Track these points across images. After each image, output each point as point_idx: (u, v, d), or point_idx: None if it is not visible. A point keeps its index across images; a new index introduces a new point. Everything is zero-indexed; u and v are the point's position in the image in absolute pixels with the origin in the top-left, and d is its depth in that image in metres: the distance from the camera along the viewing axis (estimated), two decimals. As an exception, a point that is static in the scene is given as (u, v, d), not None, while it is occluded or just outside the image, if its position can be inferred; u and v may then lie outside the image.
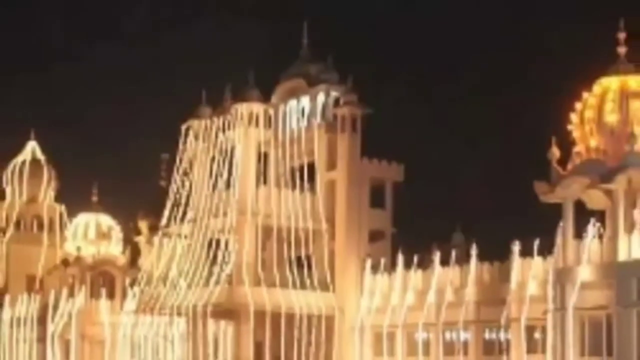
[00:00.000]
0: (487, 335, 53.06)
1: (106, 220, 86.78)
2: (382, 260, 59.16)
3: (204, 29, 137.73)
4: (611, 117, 46.42)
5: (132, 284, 72.56)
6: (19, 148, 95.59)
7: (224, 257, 60.16)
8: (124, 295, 76.49)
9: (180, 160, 64.83)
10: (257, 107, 61.81)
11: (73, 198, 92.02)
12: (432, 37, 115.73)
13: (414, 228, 61.47)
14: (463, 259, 54.33)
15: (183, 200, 63.86)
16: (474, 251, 53.30)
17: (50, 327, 79.73)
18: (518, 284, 50.61)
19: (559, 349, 46.47)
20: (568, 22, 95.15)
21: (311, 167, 61.85)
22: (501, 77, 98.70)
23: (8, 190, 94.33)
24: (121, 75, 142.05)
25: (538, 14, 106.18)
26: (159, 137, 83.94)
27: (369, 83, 62.50)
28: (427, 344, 55.61)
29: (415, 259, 56.93)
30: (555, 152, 47.82)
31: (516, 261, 51.02)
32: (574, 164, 47.35)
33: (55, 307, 79.58)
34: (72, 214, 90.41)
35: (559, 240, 47.46)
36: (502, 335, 51.92)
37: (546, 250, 49.14)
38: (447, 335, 54.77)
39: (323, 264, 60.63)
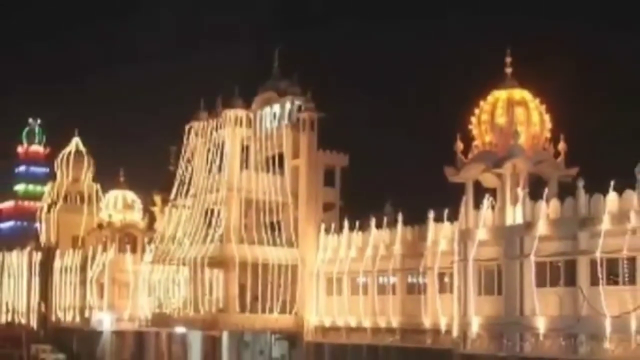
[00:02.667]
0: (409, 279, 52.49)
1: (130, 195, 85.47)
2: (333, 225, 58.53)
3: (202, 53, 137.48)
4: (501, 120, 46.14)
5: (149, 242, 72.00)
6: (66, 142, 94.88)
7: (216, 222, 59.38)
8: (143, 250, 75.85)
9: (185, 151, 64.01)
10: (241, 112, 61.18)
11: (106, 179, 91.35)
12: (373, 58, 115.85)
13: (356, 201, 60.87)
14: (392, 224, 53.79)
15: (186, 181, 63.16)
16: (400, 218, 52.84)
17: (89, 274, 78.87)
18: (432, 242, 50.13)
19: (462, 290, 46.15)
20: (471, 50, 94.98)
21: (281, 157, 61.09)
22: (423, 90, 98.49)
23: (58, 174, 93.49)
24: (139, 87, 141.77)
25: (451, 45, 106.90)
26: (169, 134, 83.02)
27: (323, 94, 62.07)
28: (365, 286, 55.07)
29: (357, 224, 56.36)
30: (460, 145, 47.38)
31: (431, 225, 50.53)
32: (473, 154, 47.03)
33: (93, 259, 78.78)
34: (105, 190, 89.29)
35: (462, 209, 47.11)
36: (420, 280, 51.45)
37: (453, 217, 48.70)
38: (381, 279, 54.19)
39: (289, 227, 59.93)
